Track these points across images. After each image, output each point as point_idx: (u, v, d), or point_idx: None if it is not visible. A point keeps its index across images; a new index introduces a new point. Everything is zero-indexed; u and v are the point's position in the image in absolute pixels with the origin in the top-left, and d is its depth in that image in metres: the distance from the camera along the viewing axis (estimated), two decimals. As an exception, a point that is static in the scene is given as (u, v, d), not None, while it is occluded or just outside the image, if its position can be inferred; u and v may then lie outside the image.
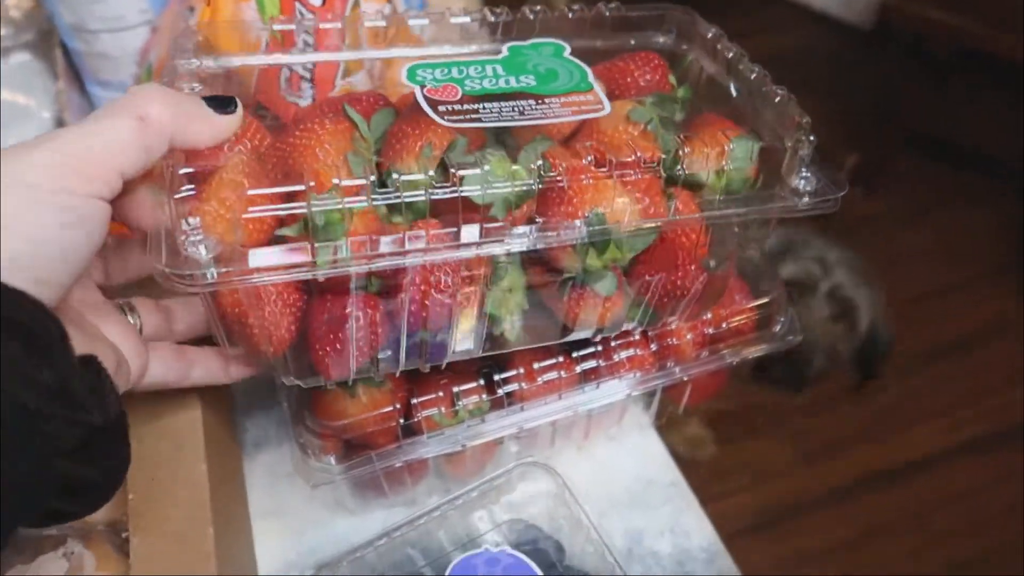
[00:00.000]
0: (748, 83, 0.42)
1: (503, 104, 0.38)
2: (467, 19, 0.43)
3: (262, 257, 0.32)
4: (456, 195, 0.33)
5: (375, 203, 0.33)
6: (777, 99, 0.40)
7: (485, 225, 0.34)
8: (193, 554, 0.34)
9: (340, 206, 0.32)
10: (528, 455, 0.48)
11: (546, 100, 0.38)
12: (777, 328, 0.48)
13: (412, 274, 0.35)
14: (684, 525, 0.50)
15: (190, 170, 0.32)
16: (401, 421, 0.43)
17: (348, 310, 0.36)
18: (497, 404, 0.44)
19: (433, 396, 0.43)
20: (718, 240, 0.41)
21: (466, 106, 0.37)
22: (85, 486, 0.28)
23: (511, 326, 0.41)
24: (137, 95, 0.32)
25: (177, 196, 0.31)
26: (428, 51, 0.44)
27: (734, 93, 0.43)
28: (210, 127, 0.34)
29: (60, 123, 0.64)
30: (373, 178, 0.33)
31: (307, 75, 0.51)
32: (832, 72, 2.11)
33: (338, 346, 0.37)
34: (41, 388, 0.25)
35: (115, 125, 0.31)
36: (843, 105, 1.98)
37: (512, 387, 0.44)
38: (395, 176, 0.32)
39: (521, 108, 0.37)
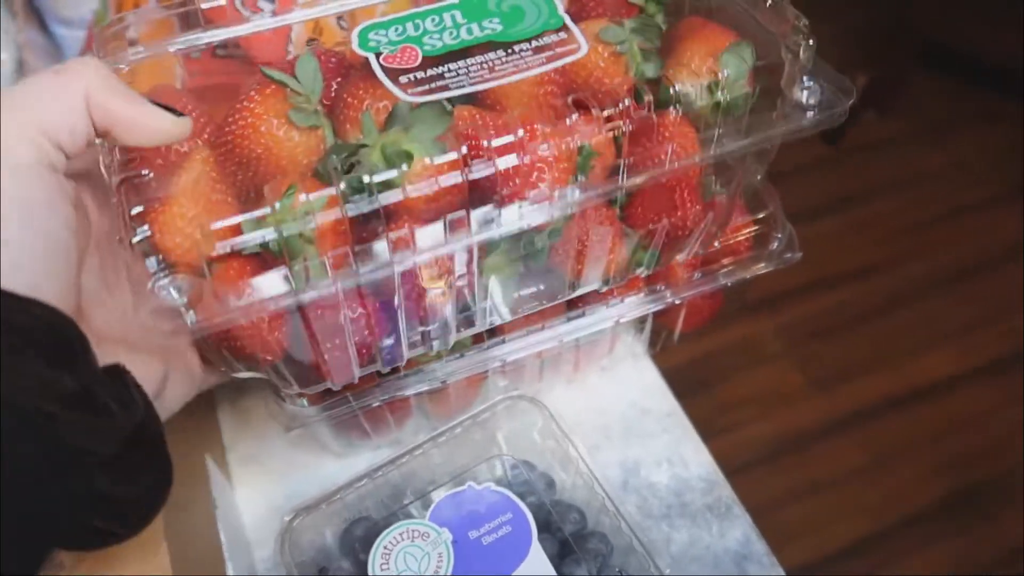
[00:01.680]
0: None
1: (469, 63, 0.34)
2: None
3: (240, 296, 0.30)
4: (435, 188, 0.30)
5: (348, 213, 0.30)
6: (768, 2, 0.36)
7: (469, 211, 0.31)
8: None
9: (307, 226, 0.29)
10: (515, 389, 0.46)
11: (515, 48, 0.34)
12: (774, 246, 0.45)
13: (399, 277, 0.33)
14: (682, 455, 0.48)
15: (140, 208, 0.30)
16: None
17: (340, 320, 0.34)
18: (478, 339, 0.42)
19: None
20: (719, 170, 0.38)
21: (429, 71, 0.34)
22: (125, 503, 0.27)
23: (513, 297, 0.39)
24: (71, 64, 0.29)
25: (136, 240, 0.29)
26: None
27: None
28: (151, 118, 0.30)
29: (22, 65, 0.61)
30: (340, 174, 0.30)
31: (264, -5, 0.47)
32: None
33: (336, 353, 0.36)
34: (63, 395, 0.24)
35: (39, 83, 0.28)
36: (851, 22, 1.90)
37: (493, 319, 0.42)
38: (365, 180, 0.29)
39: (490, 64, 0.34)
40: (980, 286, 1.51)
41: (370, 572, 0.37)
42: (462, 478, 0.40)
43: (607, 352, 0.49)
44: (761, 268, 0.45)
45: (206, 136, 0.34)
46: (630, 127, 0.33)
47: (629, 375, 0.51)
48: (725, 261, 0.45)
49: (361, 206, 0.29)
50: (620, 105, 0.32)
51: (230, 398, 0.51)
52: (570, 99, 0.33)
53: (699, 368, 1.37)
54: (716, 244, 0.43)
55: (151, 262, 0.29)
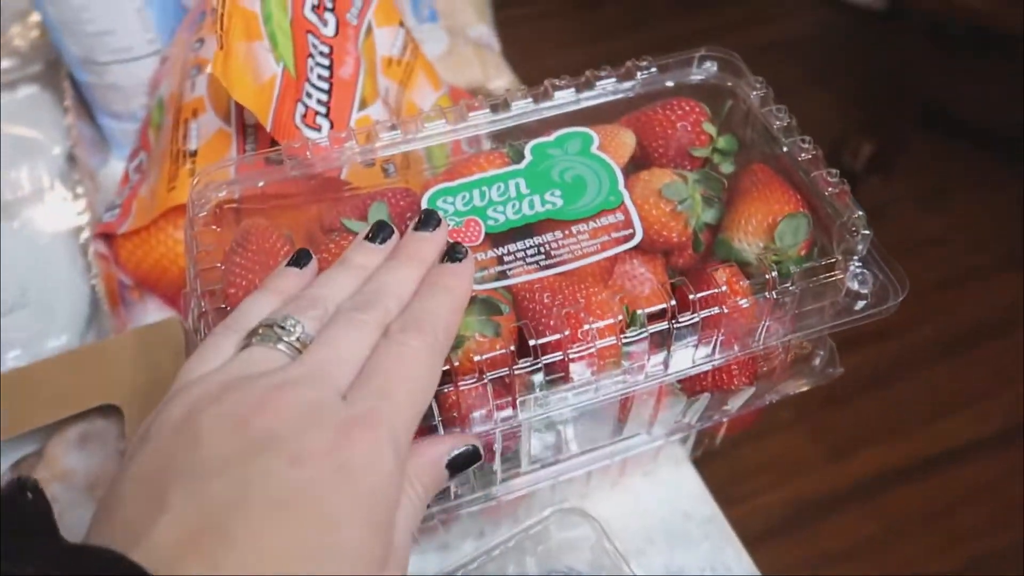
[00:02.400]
0: (797, 162, 0.39)
1: (528, 245, 0.36)
2: (487, 111, 0.41)
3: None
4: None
5: None
6: (829, 190, 0.37)
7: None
8: None
9: None
10: (563, 497, 0.47)
11: (573, 230, 0.36)
12: (816, 363, 0.46)
13: None
14: (725, 561, 0.48)
15: None
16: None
17: None
18: (532, 456, 0.43)
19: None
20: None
21: (490, 253, 0.36)
22: None
23: (564, 438, 0.41)
24: None
25: None
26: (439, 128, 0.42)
27: (784, 148, 0.40)
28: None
29: (71, 157, 0.63)
30: None
31: (322, 110, 0.49)
32: (845, 56, 2.08)
33: None
34: None
35: None
36: (857, 90, 1.95)
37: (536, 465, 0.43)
38: None
39: (547, 248, 0.36)
40: (986, 353, 1.52)
41: None
42: (516, 593, 0.41)
43: (652, 460, 0.50)
44: (803, 385, 0.46)
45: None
46: (677, 314, 0.33)
47: (671, 480, 0.52)
48: (770, 379, 0.46)
49: None
50: (684, 297, 0.33)
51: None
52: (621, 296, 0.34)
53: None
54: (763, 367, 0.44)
55: None
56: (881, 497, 1.36)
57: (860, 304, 0.35)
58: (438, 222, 0.34)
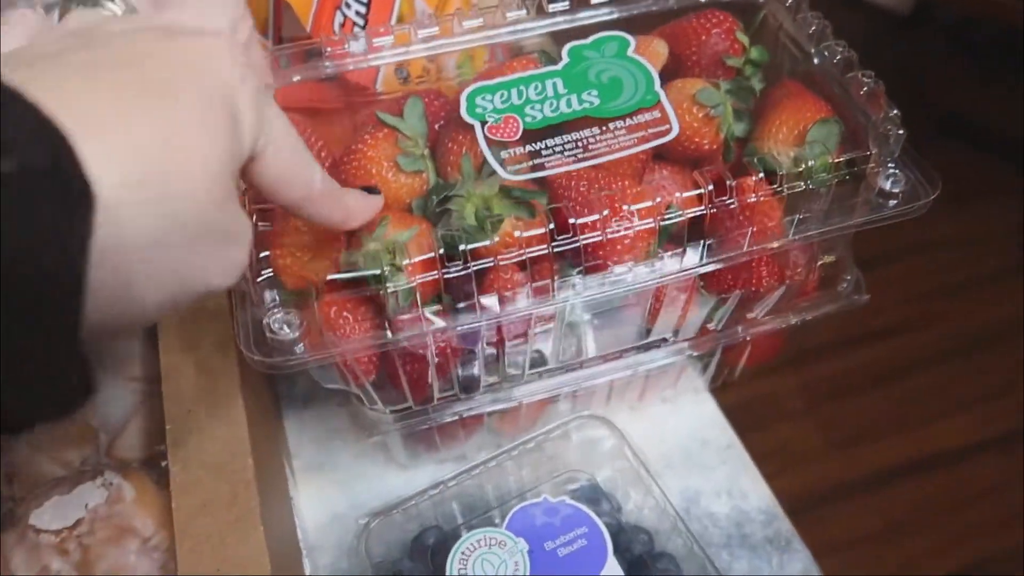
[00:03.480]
0: (830, 63, 0.39)
1: (566, 140, 0.36)
2: (523, 12, 0.41)
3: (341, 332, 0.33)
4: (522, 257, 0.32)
5: (445, 276, 0.32)
6: (864, 89, 0.37)
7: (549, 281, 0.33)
8: (234, 483, 0.34)
9: (400, 264, 0.31)
10: (585, 410, 0.47)
11: (610, 126, 0.36)
12: (842, 287, 0.46)
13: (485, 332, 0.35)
14: (741, 487, 0.49)
15: (265, 254, 0.33)
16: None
17: (424, 352, 0.36)
18: (555, 360, 0.43)
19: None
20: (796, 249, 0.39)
21: (528, 147, 0.36)
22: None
23: (588, 340, 0.41)
24: None
25: (259, 280, 0.32)
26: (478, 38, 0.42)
27: (816, 60, 0.40)
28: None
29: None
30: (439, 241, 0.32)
31: (360, 21, 0.50)
32: (867, 58, 2.07)
33: (415, 374, 0.37)
34: None
35: None
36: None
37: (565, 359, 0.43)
38: (462, 248, 0.31)
39: (585, 142, 0.36)
40: (996, 355, 1.52)
41: (447, 572, 0.37)
42: (536, 491, 0.41)
43: (673, 383, 0.50)
44: (830, 308, 0.46)
45: (326, 167, 0.37)
46: (715, 198, 0.33)
47: (690, 407, 0.52)
48: (793, 301, 0.46)
49: (455, 270, 0.32)
50: (712, 177, 0.34)
51: (295, 409, 0.52)
52: (656, 178, 0.34)
53: (729, 419, 1.38)
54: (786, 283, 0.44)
55: (268, 296, 0.32)
56: (886, 491, 1.35)
57: (892, 203, 0.35)
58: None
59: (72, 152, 0.19)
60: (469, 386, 0.39)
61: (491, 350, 0.37)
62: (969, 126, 1.76)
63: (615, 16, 0.43)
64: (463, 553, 0.38)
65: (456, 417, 0.42)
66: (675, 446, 0.50)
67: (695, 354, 0.45)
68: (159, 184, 0.21)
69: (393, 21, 0.52)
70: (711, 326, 0.42)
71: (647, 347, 0.43)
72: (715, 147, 0.39)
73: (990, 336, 1.54)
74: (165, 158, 0.21)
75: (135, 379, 0.41)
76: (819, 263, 0.45)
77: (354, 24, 0.49)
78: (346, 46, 0.41)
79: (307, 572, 0.40)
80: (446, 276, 0.32)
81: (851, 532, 1.30)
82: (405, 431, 0.43)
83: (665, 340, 0.43)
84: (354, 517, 0.46)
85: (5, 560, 0.34)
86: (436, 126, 0.39)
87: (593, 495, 0.41)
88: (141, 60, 0.22)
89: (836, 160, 0.35)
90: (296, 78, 0.41)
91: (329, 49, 0.41)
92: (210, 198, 0.22)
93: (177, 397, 0.37)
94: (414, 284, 0.31)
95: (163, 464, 0.36)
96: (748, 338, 0.45)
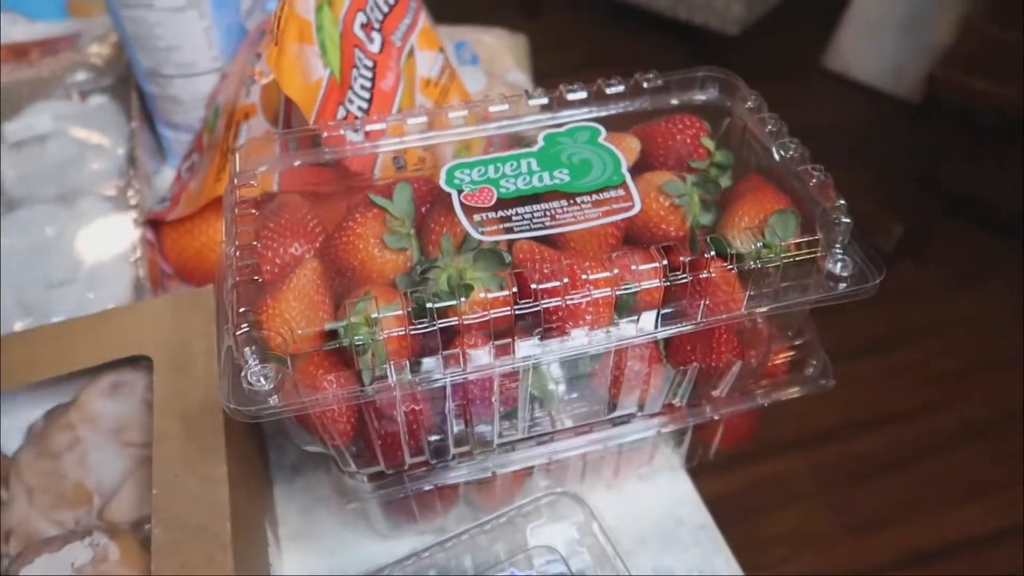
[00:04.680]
0: (787, 159, 0.42)
1: (535, 209, 0.39)
2: (506, 107, 0.45)
3: (317, 388, 0.35)
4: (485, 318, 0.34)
5: (411, 332, 0.34)
6: (812, 181, 0.40)
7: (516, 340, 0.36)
8: (211, 546, 0.36)
9: (377, 336, 0.34)
10: (558, 487, 0.49)
11: (577, 200, 0.39)
12: (809, 371, 0.48)
13: (449, 387, 0.37)
14: (714, 567, 0.49)
15: (246, 308, 0.35)
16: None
17: (395, 413, 0.38)
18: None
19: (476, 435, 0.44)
20: (750, 329, 0.42)
21: (500, 213, 0.39)
22: None
23: (558, 412, 0.43)
24: None
25: (238, 333, 0.34)
26: (467, 131, 0.45)
27: (776, 157, 0.43)
28: None
29: (131, 159, 0.68)
30: (409, 298, 0.34)
31: (361, 116, 0.54)
32: (878, 143, 2.11)
33: (389, 439, 0.40)
34: None
35: None
36: (889, 175, 1.98)
37: (536, 428, 0.45)
38: (428, 305, 0.34)
39: (553, 212, 0.39)
40: (1010, 441, 1.50)
41: None
42: (503, 566, 0.42)
43: (647, 461, 0.52)
44: (795, 392, 0.48)
45: (318, 245, 0.40)
46: (678, 276, 0.36)
47: (666, 485, 0.53)
48: (763, 383, 0.48)
49: (422, 327, 0.34)
50: (669, 253, 0.36)
51: (285, 478, 0.54)
52: (616, 254, 0.36)
53: (730, 502, 1.36)
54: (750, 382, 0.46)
55: (247, 352, 0.34)
56: (902, 579, 1.32)
57: (841, 286, 0.37)
58: None
59: None
60: (440, 451, 0.41)
61: (461, 422, 0.40)
62: (977, 207, 1.78)
63: (593, 115, 0.46)
64: None
65: (431, 487, 0.44)
66: (649, 524, 0.51)
67: (664, 431, 0.46)
68: None
69: (393, 112, 0.56)
70: (675, 402, 0.44)
71: (616, 422, 0.45)
72: (681, 234, 0.41)
73: (1004, 420, 1.52)
74: None
75: (132, 444, 0.44)
76: (784, 346, 0.48)
77: (355, 117, 0.53)
78: (342, 132, 0.45)
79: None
80: (413, 333, 0.34)
81: (866, 624, 1.27)
82: (383, 500, 0.44)
83: (632, 415, 0.45)
84: (337, 584, 0.48)
85: (-5, 614, 0.36)
86: (423, 208, 0.42)
87: (561, 571, 0.43)
88: None
89: (786, 243, 0.38)
90: (297, 162, 0.45)
91: (327, 134, 0.44)
92: None
93: (165, 462, 0.39)
94: (382, 338, 0.34)
95: (147, 527, 0.39)
96: (716, 417, 0.47)
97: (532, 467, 0.48)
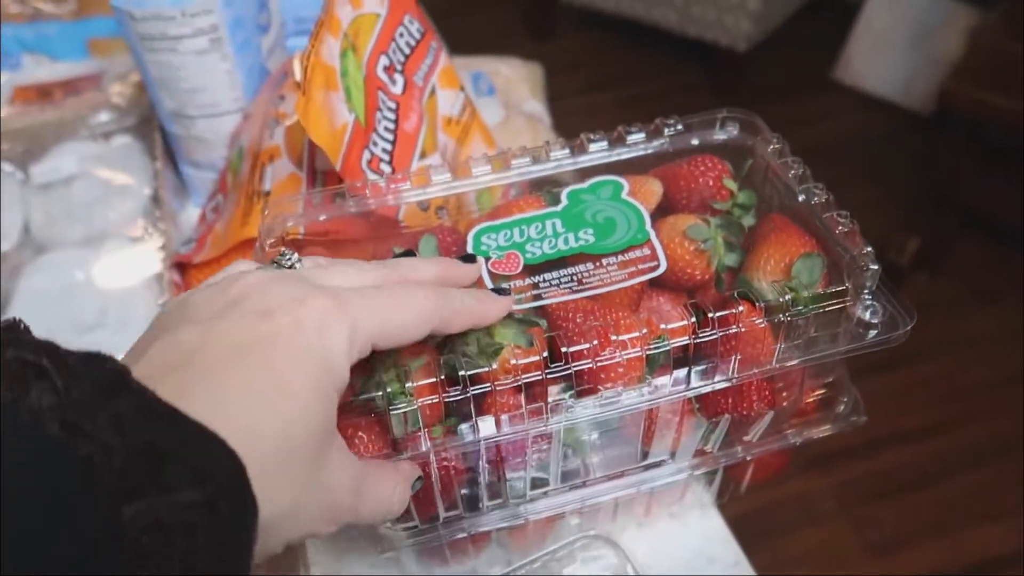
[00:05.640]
0: (811, 208, 0.42)
1: (562, 274, 0.39)
2: (528, 159, 0.45)
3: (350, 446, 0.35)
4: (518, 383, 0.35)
5: (445, 400, 0.35)
6: (839, 228, 0.40)
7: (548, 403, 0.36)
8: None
9: (413, 407, 0.34)
10: (590, 528, 0.48)
11: (603, 262, 0.40)
12: (840, 409, 0.48)
13: (483, 449, 0.38)
14: (747, 607, 0.49)
15: None
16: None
17: (428, 470, 0.38)
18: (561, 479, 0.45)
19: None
20: (782, 377, 0.42)
21: (527, 280, 0.39)
22: None
23: (591, 460, 0.43)
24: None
25: None
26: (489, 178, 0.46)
27: (800, 198, 0.43)
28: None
29: (155, 199, 0.69)
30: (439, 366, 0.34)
31: (386, 157, 0.54)
32: (891, 156, 2.11)
33: (422, 494, 0.39)
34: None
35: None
36: (902, 188, 1.97)
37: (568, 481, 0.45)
38: (462, 374, 0.34)
39: (579, 276, 0.39)
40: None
41: None
42: (539, 612, 0.42)
43: (678, 499, 0.52)
44: (827, 430, 0.47)
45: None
46: (708, 332, 0.36)
47: (697, 523, 0.53)
48: (793, 421, 0.48)
49: (455, 395, 0.34)
50: (697, 309, 0.36)
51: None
52: (644, 314, 0.37)
53: (753, 522, 1.36)
54: (786, 405, 0.46)
55: None
56: (923, 601, 1.31)
57: (872, 333, 0.37)
58: (473, 258, 0.39)
59: (245, 475, 0.23)
60: (473, 502, 0.41)
61: (494, 476, 0.40)
62: (991, 221, 1.77)
63: (613, 159, 0.47)
64: None
65: (464, 534, 0.44)
66: (681, 562, 0.51)
67: (696, 473, 0.46)
68: (283, 473, 0.26)
69: (416, 155, 0.57)
70: (707, 448, 0.44)
71: (648, 467, 0.45)
72: (707, 277, 0.41)
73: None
74: (286, 447, 0.26)
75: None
76: (813, 389, 0.47)
77: (380, 160, 0.54)
78: (368, 191, 0.45)
79: None
80: (447, 400, 0.34)
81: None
82: (417, 548, 0.44)
83: (664, 461, 0.44)
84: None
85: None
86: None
87: None
88: (262, 350, 0.27)
89: (818, 292, 0.37)
90: (322, 217, 0.46)
91: (351, 194, 0.45)
92: (319, 463, 0.28)
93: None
94: (417, 406, 0.34)
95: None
96: (748, 458, 0.47)
97: (565, 512, 0.48)
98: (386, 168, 0.54)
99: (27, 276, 0.62)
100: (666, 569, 0.51)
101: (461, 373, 0.34)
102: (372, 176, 0.53)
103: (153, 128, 0.74)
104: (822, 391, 0.48)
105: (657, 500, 0.51)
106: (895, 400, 1.57)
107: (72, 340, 0.58)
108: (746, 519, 1.37)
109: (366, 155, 0.53)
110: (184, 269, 0.61)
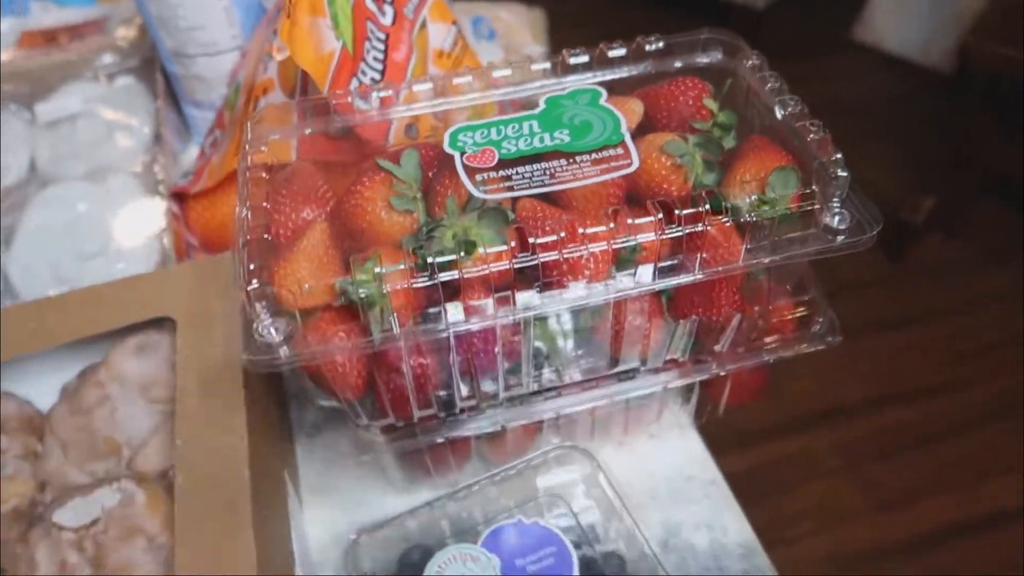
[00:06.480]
0: (787, 116, 0.42)
1: (535, 168, 0.40)
2: (508, 71, 0.46)
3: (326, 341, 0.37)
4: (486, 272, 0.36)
5: (414, 285, 0.36)
6: (811, 136, 0.41)
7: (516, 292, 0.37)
8: (231, 491, 0.38)
9: (383, 289, 0.35)
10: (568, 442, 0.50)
11: (577, 159, 0.40)
12: (815, 328, 0.48)
13: (453, 339, 0.39)
14: (722, 522, 0.50)
15: (255, 265, 0.37)
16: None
17: (401, 362, 0.40)
18: (536, 392, 0.46)
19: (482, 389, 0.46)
20: (750, 283, 0.42)
21: (501, 172, 0.40)
22: None
23: (558, 363, 0.44)
24: None
25: (250, 288, 0.36)
26: (474, 97, 0.46)
27: (779, 115, 0.43)
28: None
29: (157, 137, 0.70)
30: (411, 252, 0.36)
31: (374, 77, 0.55)
32: (910, 116, 2.08)
33: (398, 392, 0.41)
34: None
35: None
36: (921, 149, 1.95)
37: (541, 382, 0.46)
38: (430, 260, 0.35)
39: (552, 171, 0.40)
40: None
41: None
42: (512, 513, 0.44)
43: (655, 418, 0.53)
44: (803, 348, 0.48)
45: (329, 209, 0.42)
46: (675, 229, 0.37)
47: (676, 443, 0.54)
48: (768, 340, 0.48)
49: (424, 281, 0.35)
50: (671, 211, 0.37)
51: (307, 436, 0.56)
52: (613, 208, 0.37)
53: (755, 477, 1.37)
54: (761, 322, 0.47)
55: (259, 307, 0.36)
56: (929, 556, 1.32)
57: (839, 239, 0.38)
58: None
59: None
60: (448, 405, 0.43)
61: (466, 378, 0.41)
62: (1008, 183, 1.75)
63: (597, 79, 0.47)
64: (439, 567, 0.41)
65: (443, 439, 0.45)
66: (661, 480, 0.52)
67: (670, 386, 0.47)
68: None
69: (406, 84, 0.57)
70: (677, 356, 0.45)
71: (622, 378, 0.46)
72: (683, 194, 0.42)
73: (1036, 395, 1.50)
74: None
75: (158, 400, 0.46)
76: (790, 303, 0.48)
77: (367, 87, 0.55)
78: (350, 100, 0.46)
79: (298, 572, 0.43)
80: (416, 287, 0.35)
81: (897, 595, 1.27)
82: (397, 451, 0.46)
83: (636, 370, 0.46)
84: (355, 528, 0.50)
85: (30, 553, 0.39)
86: (430, 173, 0.43)
87: (567, 520, 0.44)
88: None
89: (782, 194, 0.38)
90: (308, 130, 0.47)
91: (335, 101, 0.46)
92: None
93: (188, 416, 0.42)
94: (391, 300, 0.35)
95: (171, 474, 0.41)
96: (722, 373, 0.48)
97: (542, 423, 0.49)
98: (375, 99, 0.55)
99: (33, 209, 0.64)
100: (645, 487, 0.52)
101: (430, 260, 0.35)
102: (359, 103, 0.54)
103: (155, 69, 0.75)
104: (798, 310, 0.49)
105: (634, 418, 0.52)
106: (902, 359, 1.57)
107: (75, 268, 0.60)
108: (748, 475, 1.39)
109: (354, 83, 0.54)
110: (182, 200, 0.63)
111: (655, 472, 0.53)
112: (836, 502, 1.39)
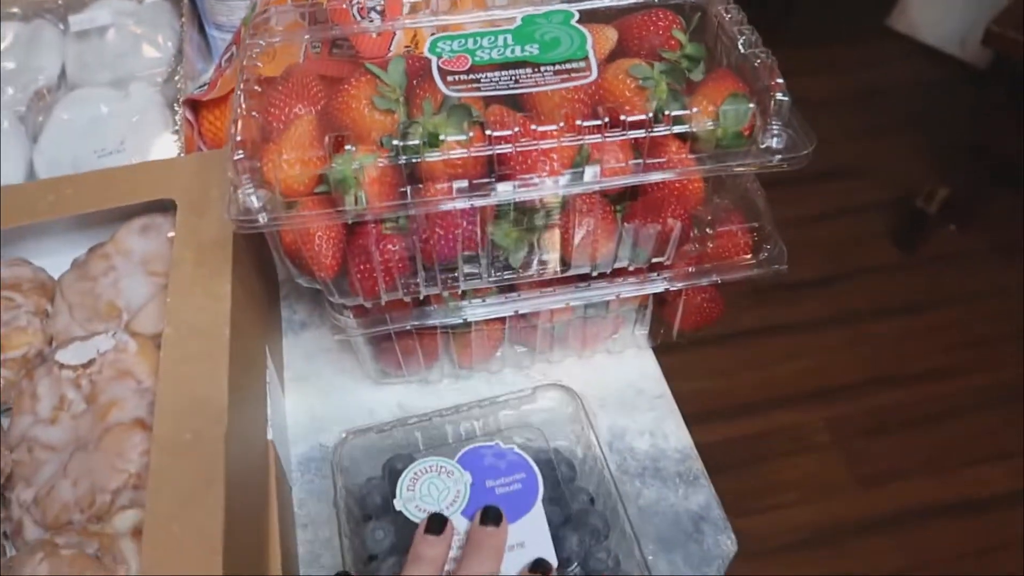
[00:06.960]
0: (742, 52, 0.46)
1: (502, 74, 0.44)
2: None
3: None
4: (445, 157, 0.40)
5: (380, 163, 0.40)
6: (758, 62, 0.44)
7: (473, 181, 0.41)
8: (210, 344, 0.43)
9: (355, 166, 0.40)
10: (534, 360, 0.54)
11: (541, 69, 0.44)
12: (763, 255, 0.52)
13: (419, 218, 0.43)
14: (664, 430, 0.54)
15: (241, 138, 0.42)
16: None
17: (370, 245, 0.44)
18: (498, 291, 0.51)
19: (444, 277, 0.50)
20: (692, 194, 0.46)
21: (471, 76, 0.44)
22: None
23: (515, 258, 0.47)
24: None
25: (236, 159, 0.41)
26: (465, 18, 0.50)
27: (741, 49, 0.47)
28: None
29: (179, 52, 0.75)
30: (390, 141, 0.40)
31: (376, 6, 0.59)
32: (937, 107, 2.07)
33: (366, 273, 0.45)
34: None
35: None
36: (942, 139, 1.94)
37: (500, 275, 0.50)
38: (395, 143, 0.39)
39: (518, 77, 0.44)
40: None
41: (397, 491, 0.44)
42: (492, 438, 0.48)
43: (610, 334, 0.57)
44: (749, 271, 0.51)
45: (319, 107, 0.46)
46: (618, 132, 0.41)
47: (632, 361, 0.58)
48: (718, 263, 0.52)
49: (395, 159, 0.40)
50: (617, 116, 0.41)
51: (294, 332, 0.61)
52: (566, 111, 0.41)
53: (742, 446, 1.40)
54: (710, 244, 0.50)
55: (245, 177, 0.40)
56: (912, 532, 1.34)
57: (776, 158, 0.42)
58: (500, 517, 0.43)
59: None
60: (414, 292, 0.47)
61: (427, 260, 0.45)
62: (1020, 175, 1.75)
63: (578, 7, 0.51)
64: (415, 475, 0.45)
65: (411, 327, 0.49)
66: (613, 391, 0.56)
67: (622, 295, 0.51)
68: None
69: (406, 8, 0.61)
70: (626, 265, 0.49)
71: (578, 286, 0.50)
72: (646, 117, 0.46)
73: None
74: None
75: (156, 274, 0.51)
76: (743, 229, 0.52)
77: (370, 9, 0.59)
78: (345, 5, 0.50)
79: (270, 436, 0.48)
80: (381, 166, 0.40)
81: (872, 568, 1.29)
82: (367, 335, 0.50)
83: (589, 276, 0.49)
84: (330, 419, 0.55)
85: (33, 388, 0.44)
86: (414, 81, 0.47)
87: (542, 450, 0.48)
88: None
89: (721, 109, 0.42)
90: (307, 36, 0.51)
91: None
92: None
93: (181, 281, 0.46)
94: (364, 181, 0.40)
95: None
96: (671, 288, 0.51)
97: (504, 329, 0.54)
98: (375, 16, 0.59)
99: (59, 108, 0.69)
100: (597, 394, 0.56)
101: (395, 142, 0.39)
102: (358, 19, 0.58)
103: (181, -10, 0.79)
104: (749, 236, 0.52)
105: (592, 334, 0.56)
106: (903, 344, 1.58)
107: (93, 163, 0.65)
108: (735, 443, 1.42)
109: (355, 6, 0.58)
110: (196, 109, 0.68)
111: (608, 383, 0.57)
112: (822, 475, 1.42)
